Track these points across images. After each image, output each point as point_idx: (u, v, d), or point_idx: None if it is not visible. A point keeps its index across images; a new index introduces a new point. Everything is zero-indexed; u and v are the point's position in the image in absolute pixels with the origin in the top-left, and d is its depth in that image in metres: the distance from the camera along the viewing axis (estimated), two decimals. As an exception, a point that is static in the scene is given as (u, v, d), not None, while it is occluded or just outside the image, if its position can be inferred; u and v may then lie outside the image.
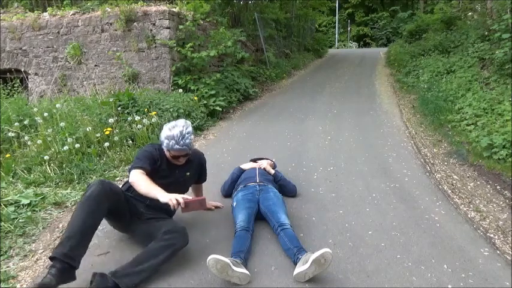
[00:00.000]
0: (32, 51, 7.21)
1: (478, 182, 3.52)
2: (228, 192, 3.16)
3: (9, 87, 6.60)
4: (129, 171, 2.23)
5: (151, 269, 2.02)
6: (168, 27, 6.25)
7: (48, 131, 4.25)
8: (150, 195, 2.11)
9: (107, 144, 4.18)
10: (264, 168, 3.21)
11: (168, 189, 2.13)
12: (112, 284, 1.88)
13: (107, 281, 1.88)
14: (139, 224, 2.30)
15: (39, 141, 4.16)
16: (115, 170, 3.93)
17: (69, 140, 4.02)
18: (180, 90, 5.97)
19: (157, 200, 2.06)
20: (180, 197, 2.04)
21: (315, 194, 3.28)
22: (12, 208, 2.89)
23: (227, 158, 4.35)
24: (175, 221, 2.35)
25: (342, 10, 36.58)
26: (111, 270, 1.97)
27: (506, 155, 3.78)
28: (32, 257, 2.41)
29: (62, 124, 4.33)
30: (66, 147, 3.93)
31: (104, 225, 2.79)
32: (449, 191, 3.31)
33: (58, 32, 6.95)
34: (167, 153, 2.41)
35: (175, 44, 6.23)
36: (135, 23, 6.42)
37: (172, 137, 2.30)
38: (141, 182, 2.14)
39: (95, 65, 6.79)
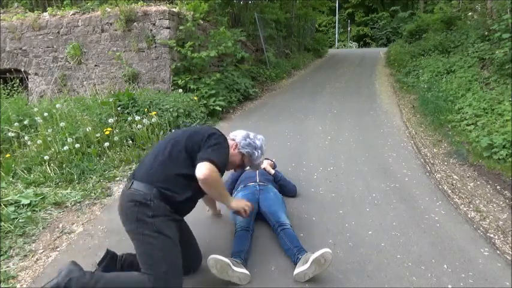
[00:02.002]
0: (32, 51, 7.20)
1: (478, 182, 3.52)
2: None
3: (9, 87, 6.60)
4: (205, 159, 1.81)
5: None
6: (168, 27, 6.25)
7: (48, 131, 4.25)
8: (221, 200, 2.06)
9: (107, 144, 4.18)
10: (264, 168, 3.21)
11: None
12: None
13: (114, 266, 1.97)
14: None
15: (39, 141, 4.16)
16: (115, 170, 3.92)
17: (69, 140, 4.02)
18: (180, 90, 5.97)
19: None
20: (247, 207, 2.12)
21: (315, 194, 3.28)
22: (12, 208, 2.90)
23: (227, 158, 4.34)
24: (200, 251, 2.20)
25: (342, 10, 36.58)
26: (123, 253, 2.08)
27: (506, 155, 3.78)
28: (32, 257, 2.42)
29: (62, 124, 4.33)
30: (66, 147, 3.93)
31: (104, 225, 2.80)
32: (449, 191, 3.31)
33: (58, 32, 6.95)
34: (238, 159, 2.20)
35: (175, 44, 6.23)
36: (135, 23, 6.41)
37: (263, 153, 2.26)
38: (220, 184, 1.94)
39: (95, 65, 6.79)
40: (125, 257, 2.05)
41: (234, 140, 2.20)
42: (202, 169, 1.78)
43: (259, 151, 2.22)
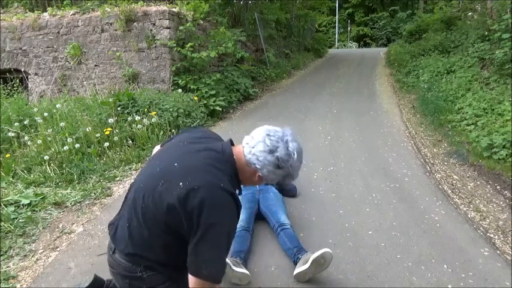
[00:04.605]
0: (32, 51, 7.21)
1: (478, 182, 3.52)
2: (228, 192, 3.15)
3: (9, 87, 6.60)
4: (193, 273, 1.25)
5: None
6: (168, 27, 6.25)
7: (48, 131, 4.25)
8: None
9: (107, 144, 4.19)
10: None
11: None
12: None
13: None
14: None
15: (39, 141, 4.16)
16: (115, 170, 3.93)
17: (69, 140, 4.02)
18: (180, 90, 5.97)
19: None
20: None
21: (315, 194, 3.28)
22: (12, 208, 2.89)
23: (227, 158, 4.34)
24: None
25: (342, 10, 36.56)
26: (111, 279, 1.80)
27: (506, 155, 3.77)
28: (32, 257, 2.42)
29: (62, 124, 4.33)
30: (66, 147, 3.93)
31: (104, 225, 2.79)
32: (449, 191, 3.31)
33: (58, 32, 6.95)
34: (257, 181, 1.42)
35: (175, 44, 6.24)
36: (135, 23, 6.42)
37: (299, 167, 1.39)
38: None
39: (95, 65, 6.79)
40: (111, 286, 1.79)
41: (251, 162, 1.34)
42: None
43: (296, 171, 1.38)
